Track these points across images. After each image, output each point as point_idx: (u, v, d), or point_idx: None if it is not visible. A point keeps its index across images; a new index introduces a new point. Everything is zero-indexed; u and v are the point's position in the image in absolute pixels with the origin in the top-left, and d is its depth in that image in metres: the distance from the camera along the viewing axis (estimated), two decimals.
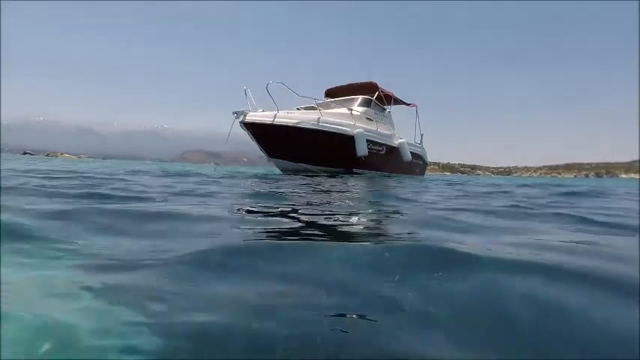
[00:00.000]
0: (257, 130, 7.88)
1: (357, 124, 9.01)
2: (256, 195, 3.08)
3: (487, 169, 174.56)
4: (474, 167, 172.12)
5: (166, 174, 5.73)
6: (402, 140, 11.11)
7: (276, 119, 7.75)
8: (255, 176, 5.80)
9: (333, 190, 3.80)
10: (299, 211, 2.00)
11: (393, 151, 10.80)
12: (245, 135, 8.06)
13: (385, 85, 11.50)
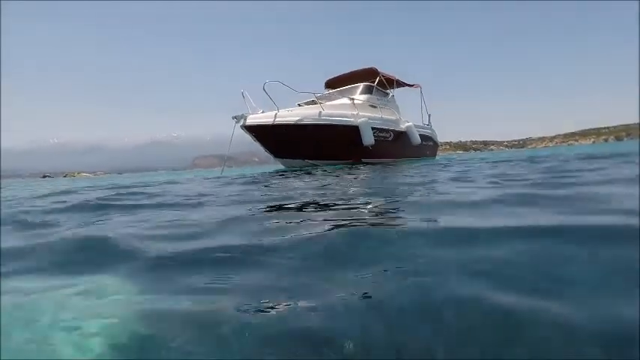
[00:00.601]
0: (259, 132, 7.78)
1: (360, 113, 8.81)
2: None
3: (500, 143, 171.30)
4: (486, 143, 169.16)
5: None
6: (409, 124, 10.84)
7: (276, 119, 7.62)
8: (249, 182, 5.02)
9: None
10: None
11: (401, 136, 10.56)
12: None
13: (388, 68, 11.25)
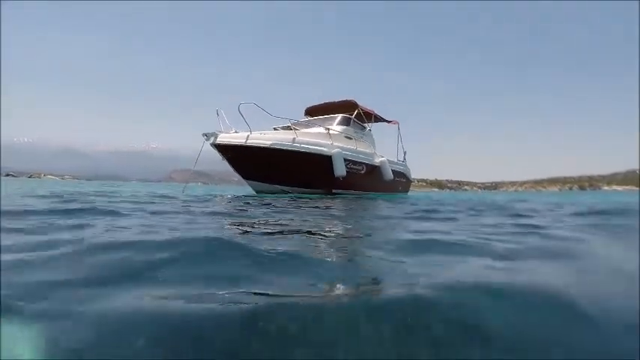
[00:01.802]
0: (229, 152, 7.61)
1: (334, 144, 8.82)
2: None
3: (474, 184, 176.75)
4: (460, 183, 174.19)
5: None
6: (382, 159, 10.95)
7: (248, 140, 7.49)
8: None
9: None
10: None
11: (374, 170, 10.62)
12: None
13: (366, 103, 11.45)
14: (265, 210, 3.61)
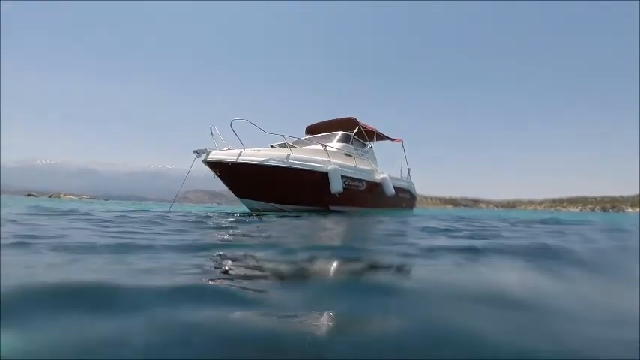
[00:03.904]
0: (221, 170, 7.51)
1: (332, 161, 8.75)
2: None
3: (490, 202, 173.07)
4: (476, 201, 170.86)
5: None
6: (384, 175, 10.83)
7: (240, 157, 7.40)
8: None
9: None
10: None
11: (375, 187, 10.50)
12: None
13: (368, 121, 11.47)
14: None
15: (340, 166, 8.86)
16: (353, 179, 9.42)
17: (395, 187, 11.11)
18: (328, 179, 8.41)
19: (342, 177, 8.75)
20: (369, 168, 10.53)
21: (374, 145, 12.67)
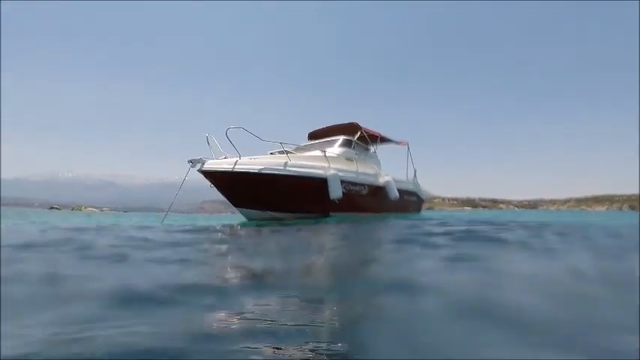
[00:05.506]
0: (217, 179, 7.39)
1: (332, 166, 8.62)
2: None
3: (510, 202, 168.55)
4: (495, 201, 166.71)
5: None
6: (387, 178, 10.62)
7: (237, 166, 7.28)
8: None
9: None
10: None
11: (378, 191, 10.32)
12: None
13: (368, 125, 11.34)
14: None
15: (340, 170, 8.73)
16: (354, 183, 9.28)
17: (400, 190, 10.88)
18: (327, 185, 8.31)
19: (342, 182, 8.60)
20: (371, 172, 10.38)
21: (379, 149, 12.55)
